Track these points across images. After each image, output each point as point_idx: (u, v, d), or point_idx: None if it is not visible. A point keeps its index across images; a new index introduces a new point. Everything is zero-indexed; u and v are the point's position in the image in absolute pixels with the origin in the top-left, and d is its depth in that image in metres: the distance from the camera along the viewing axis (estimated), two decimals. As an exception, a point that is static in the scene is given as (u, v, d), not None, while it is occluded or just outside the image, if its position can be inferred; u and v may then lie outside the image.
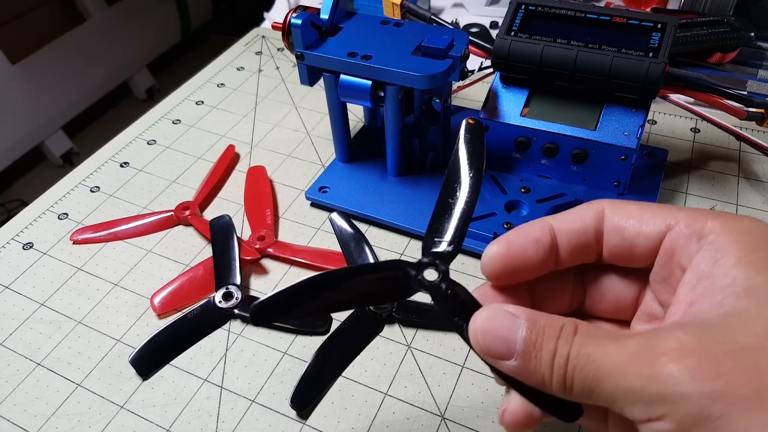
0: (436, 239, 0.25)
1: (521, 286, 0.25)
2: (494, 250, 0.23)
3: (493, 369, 0.22)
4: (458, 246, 0.25)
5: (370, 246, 0.39)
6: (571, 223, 0.24)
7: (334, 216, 0.41)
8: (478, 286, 0.25)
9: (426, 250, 0.25)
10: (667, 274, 0.22)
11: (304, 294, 0.24)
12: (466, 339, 0.22)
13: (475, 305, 0.23)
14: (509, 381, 0.22)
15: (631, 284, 0.25)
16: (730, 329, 0.18)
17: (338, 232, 0.40)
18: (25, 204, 0.45)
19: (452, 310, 0.23)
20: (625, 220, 0.23)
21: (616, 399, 0.19)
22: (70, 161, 1.57)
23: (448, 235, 0.25)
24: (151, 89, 1.79)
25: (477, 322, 0.21)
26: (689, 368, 0.17)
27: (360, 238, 0.39)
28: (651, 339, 0.19)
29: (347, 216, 0.41)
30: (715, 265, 0.20)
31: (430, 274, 0.24)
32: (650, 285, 0.24)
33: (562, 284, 0.25)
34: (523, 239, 0.23)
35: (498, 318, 0.21)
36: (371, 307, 0.36)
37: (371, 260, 0.38)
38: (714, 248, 0.20)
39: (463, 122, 0.27)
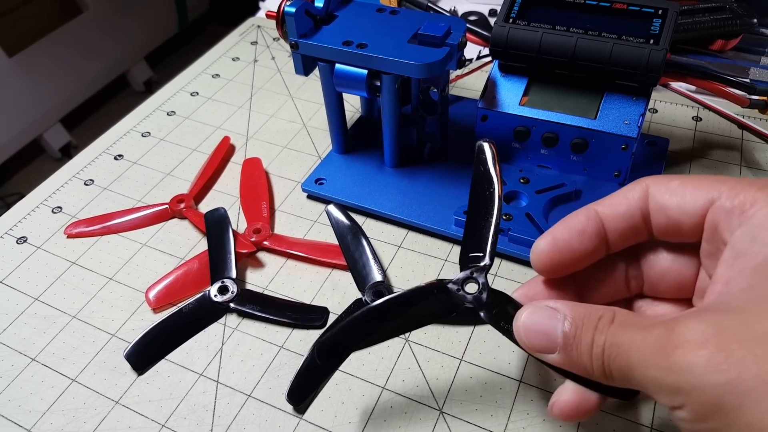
0: (470, 254, 0.27)
1: (567, 278, 0.25)
2: (540, 247, 0.24)
3: (545, 362, 0.23)
4: (492, 257, 0.26)
5: (367, 238, 0.38)
6: (616, 207, 0.24)
7: (331, 208, 0.40)
8: (525, 282, 0.27)
9: (463, 265, 0.27)
10: (713, 249, 0.22)
11: (356, 330, 0.27)
12: (514, 341, 0.23)
13: (518, 307, 0.24)
14: (561, 372, 0.22)
15: (690, 261, 0.24)
16: (750, 315, 0.18)
17: (335, 224, 0.40)
18: (23, 197, 0.45)
19: (497, 317, 0.25)
20: (668, 198, 0.23)
21: (646, 387, 0.19)
22: (68, 154, 1.56)
23: (482, 249, 0.27)
24: (149, 81, 1.78)
25: (519, 320, 0.23)
26: (703, 359, 0.17)
27: (357, 230, 0.39)
28: (669, 329, 0.19)
29: (344, 208, 0.41)
30: (751, 243, 0.19)
31: (471, 288, 0.26)
32: (701, 260, 0.23)
33: (612, 271, 0.25)
34: (567, 232, 0.24)
35: (539, 314, 0.22)
36: (368, 300, 0.35)
37: (368, 253, 0.37)
38: (754, 223, 0.20)
39: (477, 144, 0.30)
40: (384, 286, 0.36)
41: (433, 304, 0.26)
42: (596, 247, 0.24)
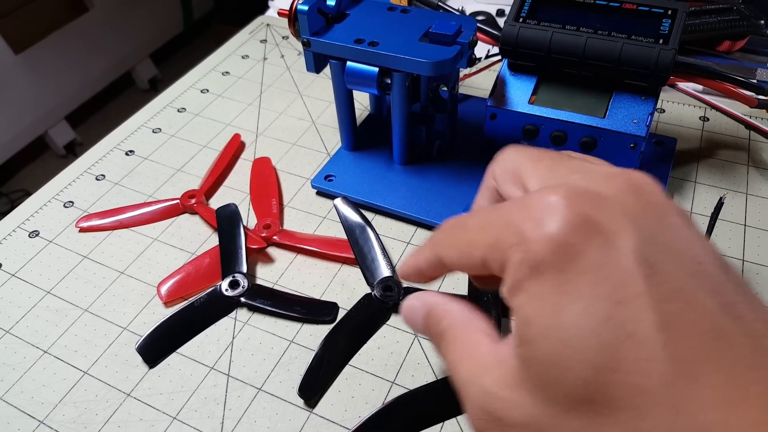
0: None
1: None
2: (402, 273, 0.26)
3: None
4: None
5: (375, 233, 0.39)
6: (462, 260, 0.23)
7: (338, 202, 0.41)
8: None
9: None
10: None
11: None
12: None
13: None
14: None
15: None
16: None
17: (343, 218, 0.40)
18: (28, 194, 0.45)
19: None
20: (448, 253, 0.23)
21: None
22: (73, 151, 1.56)
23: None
24: (153, 79, 1.79)
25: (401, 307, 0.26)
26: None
27: (365, 224, 0.39)
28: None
29: (351, 202, 0.41)
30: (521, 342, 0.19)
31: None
32: None
33: None
34: (413, 264, 0.25)
35: (409, 303, 0.25)
36: (377, 295, 0.35)
37: (377, 248, 0.38)
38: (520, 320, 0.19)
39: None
40: (393, 282, 0.36)
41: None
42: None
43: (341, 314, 0.36)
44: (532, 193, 0.20)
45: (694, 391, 0.15)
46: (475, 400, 0.20)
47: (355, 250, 0.38)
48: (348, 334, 0.35)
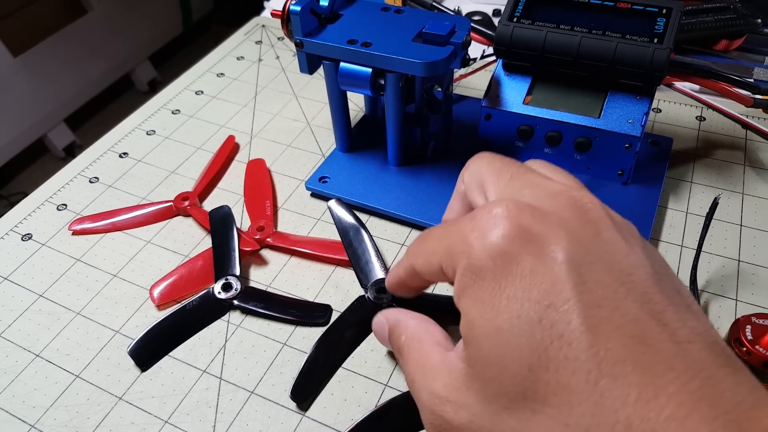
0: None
1: None
2: (389, 286, 0.30)
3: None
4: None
5: (369, 234, 0.38)
6: (425, 267, 0.25)
7: (332, 203, 0.41)
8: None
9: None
10: None
11: None
12: None
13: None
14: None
15: None
16: None
17: (337, 220, 0.40)
18: (29, 195, 0.45)
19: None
20: (421, 267, 0.25)
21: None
22: (72, 154, 1.57)
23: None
24: (153, 81, 1.79)
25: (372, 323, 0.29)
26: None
27: (359, 226, 0.39)
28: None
29: (346, 203, 0.41)
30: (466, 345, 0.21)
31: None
32: None
33: None
34: (395, 274, 0.29)
35: (377, 320, 0.29)
36: (371, 297, 0.35)
37: (371, 250, 0.37)
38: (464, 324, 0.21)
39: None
40: (387, 284, 0.36)
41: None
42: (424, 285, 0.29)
43: (335, 316, 0.36)
44: (482, 206, 0.22)
45: (616, 389, 0.16)
46: (426, 404, 0.21)
47: (348, 252, 0.38)
48: (341, 336, 0.34)
